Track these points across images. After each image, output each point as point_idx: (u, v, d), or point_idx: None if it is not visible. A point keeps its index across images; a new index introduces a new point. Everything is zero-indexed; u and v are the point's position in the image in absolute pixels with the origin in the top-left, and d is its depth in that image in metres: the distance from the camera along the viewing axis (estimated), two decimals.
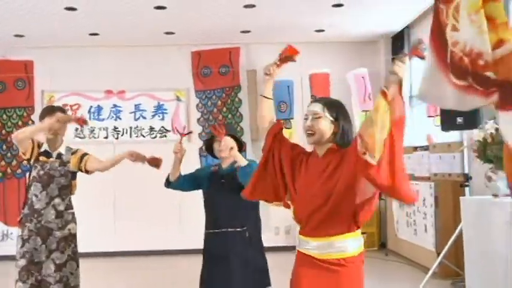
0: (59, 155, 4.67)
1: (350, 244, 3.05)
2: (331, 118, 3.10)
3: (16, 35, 8.78)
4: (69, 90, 9.51)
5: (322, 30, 8.93)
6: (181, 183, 4.51)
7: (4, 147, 9.31)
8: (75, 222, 4.71)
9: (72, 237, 4.65)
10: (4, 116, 9.36)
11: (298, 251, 3.23)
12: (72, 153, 4.71)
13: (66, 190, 4.65)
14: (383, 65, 9.53)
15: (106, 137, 9.60)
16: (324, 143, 3.14)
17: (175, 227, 9.33)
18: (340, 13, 7.97)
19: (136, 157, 4.71)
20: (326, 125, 3.10)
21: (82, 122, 4.78)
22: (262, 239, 4.48)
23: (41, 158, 4.63)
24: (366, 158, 2.79)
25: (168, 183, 4.52)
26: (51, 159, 4.64)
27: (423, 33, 8.46)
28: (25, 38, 8.94)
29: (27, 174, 4.80)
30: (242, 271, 4.18)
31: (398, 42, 9.21)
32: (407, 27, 8.95)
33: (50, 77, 9.40)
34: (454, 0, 2.63)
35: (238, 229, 4.24)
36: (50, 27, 8.38)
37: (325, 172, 3.07)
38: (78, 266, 4.70)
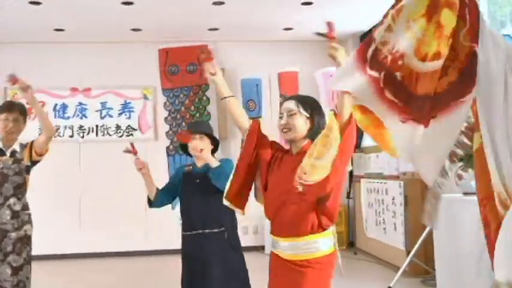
0: (13, 153, 4.52)
1: (318, 245, 3.01)
2: (306, 114, 3.10)
3: None
4: (33, 87, 9.22)
5: (291, 29, 8.89)
6: (162, 198, 4.36)
7: None
8: (32, 224, 4.54)
9: (27, 240, 4.49)
10: None
11: (271, 252, 3.22)
12: (24, 148, 4.56)
13: (22, 189, 4.49)
14: None
15: (71, 136, 9.40)
16: (300, 140, 3.14)
17: (141, 227, 9.19)
18: (309, 11, 7.93)
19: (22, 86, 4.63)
20: (301, 122, 3.11)
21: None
22: None
23: None
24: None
25: (150, 204, 4.39)
26: (4, 157, 4.48)
27: None
28: None
29: None
30: (222, 273, 4.09)
31: None
32: (375, 26, 8.93)
33: (13, 73, 9.13)
34: (399, 4, 2.66)
35: (215, 230, 4.14)
36: (14, 22, 8.16)
37: (296, 169, 3.01)
38: (31, 269, 4.54)
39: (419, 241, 6.19)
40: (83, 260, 9.00)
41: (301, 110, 3.10)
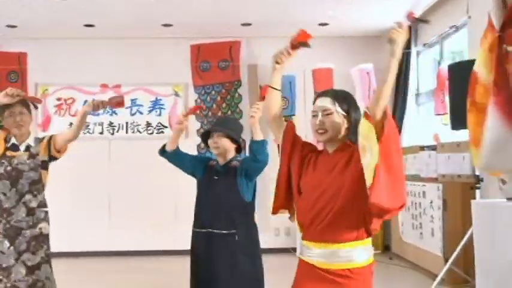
0: (28, 147, 4.33)
1: (358, 253, 2.74)
2: (343, 112, 2.82)
3: (8, 26, 8.45)
4: (63, 84, 9.21)
5: (326, 24, 8.58)
6: (178, 155, 4.20)
7: None
8: (48, 222, 4.33)
9: (43, 238, 4.27)
10: None
11: (300, 259, 2.93)
12: (40, 142, 4.38)
13: (38, 185, 4.28)
14: None
15: (101, 133, 9.30)
16: (337, 140, 2.86)
17: (171, 227, 9.00)
18: (345, 5, 7.63)
19: (97, 105, 4.26)
20: (339, 121, 2.82)
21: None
22: (262, 240, 4.22)
23: (8, 153, 4.28)
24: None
25: (163, 152, 4.21)
26: (18, 152, 4.29)
27: (432, 27, 8.14)
28: (18, 29, 8.61)
29: None
30: (227, 276, 3.90)
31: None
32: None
33: (44, 69, 9.11)
34: None
35: (224, 231, 3.95)
36: (44, 18, 8.06)
37: (335, 170, 2.78)
38: (52, 270, 4.32)
39: (459, 248, 5.84)
40: (111, 258, 8.87)
41: (338, 108, 2.82)
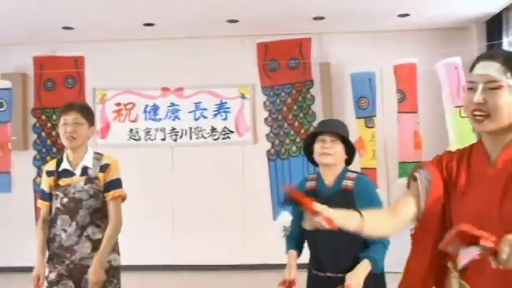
0: (85, 170, 3.63)
1: None
2: None
3: (64, 27, 7.92)
4: (122, 88, 8.67)
5: (407, 15, 7.73)
6: (302, 237, 3.39)
7: (54, 149, 8.53)
8: (118, 252, 3.69)
9: (114, 271, 3.63)
10: (54, 117, 8.41)
11: None
12: (101, 170, 3.66)
13: (101, 214, 3.62)
14: (476, 53, 8.29)
15: (163, 139, 8.70)
16: (505, 133, 1.86)
17: (239, 239, 8.37)
18: None
19: None
20: (510, 101, 1.82)
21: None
22: None
23: (61, 182, 3.62)
24: None
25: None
26: (73, 177, 3.61)
27: None
28: (74, 31, 8.08)
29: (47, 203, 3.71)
30: None
31: (495, 28, 7.95)
32: (506, 8, 7.67)
33: (102, 73, 8.56)
34: None
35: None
36: (101, 18, 7.49)
37: (508, 192, 1.78)
38: None
39: None
40: (175, 272, 8.31)
41: (510, 80, 1.82)
